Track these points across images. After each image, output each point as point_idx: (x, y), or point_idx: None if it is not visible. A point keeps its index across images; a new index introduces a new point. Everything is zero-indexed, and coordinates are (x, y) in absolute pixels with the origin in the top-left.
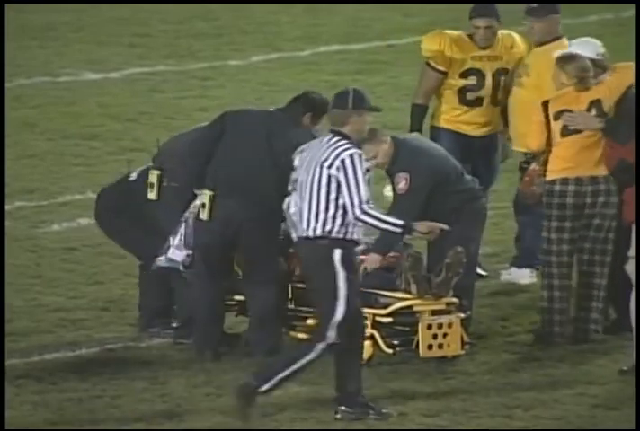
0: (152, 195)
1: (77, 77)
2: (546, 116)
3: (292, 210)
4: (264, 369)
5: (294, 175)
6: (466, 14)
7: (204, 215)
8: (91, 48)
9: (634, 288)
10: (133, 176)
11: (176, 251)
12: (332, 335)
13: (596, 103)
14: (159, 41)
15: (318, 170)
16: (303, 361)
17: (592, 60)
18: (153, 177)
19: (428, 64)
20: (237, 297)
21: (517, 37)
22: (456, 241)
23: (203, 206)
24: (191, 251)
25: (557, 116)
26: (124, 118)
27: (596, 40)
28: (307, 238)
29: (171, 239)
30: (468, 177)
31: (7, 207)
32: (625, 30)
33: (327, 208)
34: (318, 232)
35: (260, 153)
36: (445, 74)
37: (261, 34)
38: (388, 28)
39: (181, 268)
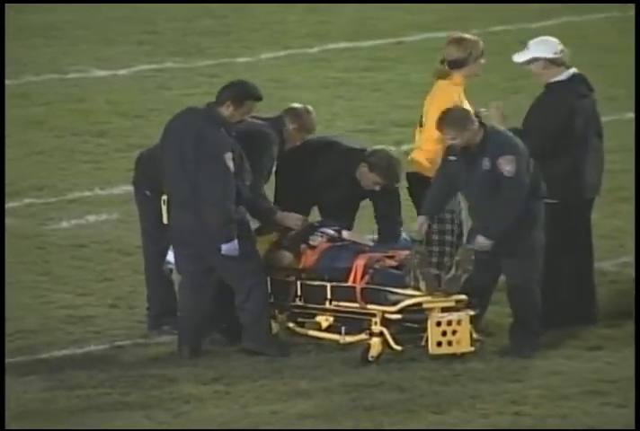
0: None
1: (86, 74)
2: None
3: None
4: None
5: None
6: (473, 13)
7: (165, 219)
8: (99, 46)
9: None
10: None
11: (170, 254)
12: None
13: None
14: (167, 38)
15: None
16: None
17: (549, 59)
18: None
19: None
20: None
21: None
22: (532, 244)
23: (164, 211)
24: None
25: None
26: (132, 114)
27: (553, 39)
28: None
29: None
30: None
31: (16, 205)
32: (631, 27)
33: None
34: None
35: (173, 159)
36: None
37: (269, 31)
38: (397, 25)
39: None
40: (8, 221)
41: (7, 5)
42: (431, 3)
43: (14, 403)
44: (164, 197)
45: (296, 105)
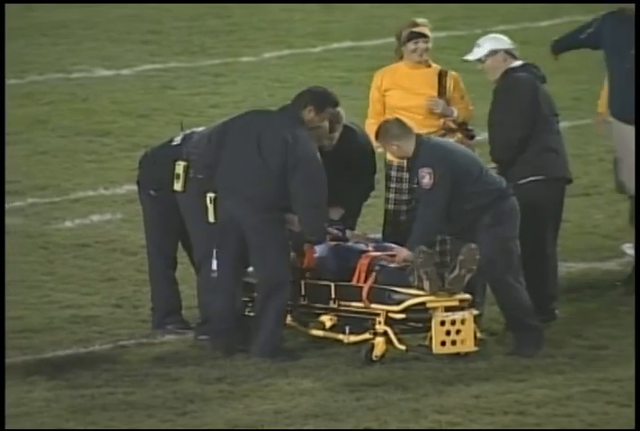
0: (178, 186)
1: (90, 74)
2: None
3: None
4: None
5: None
6: (478, 12)
7: (210, 218)
8: (103, 45)
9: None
10: (177, 140)
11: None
12: None
13: None
14: (172, 38)
15: None
16: None
17: (508, 51)
18: (179, 168)
19: None
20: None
21: None
22: (496, 243)
23: (208, 208)
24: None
25: None
26: (136, 114)
27: (502, 36)
28: None
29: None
30: (495, 176)
31: (20, 204)
32: None
33: None
34: None
35: (252, 153)
36: None
37: (273, 31)
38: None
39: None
40: (12, 220)
41: (14, 4)
42: (438, 3)
43: (18, 402)
44: (211, 195)
45: None
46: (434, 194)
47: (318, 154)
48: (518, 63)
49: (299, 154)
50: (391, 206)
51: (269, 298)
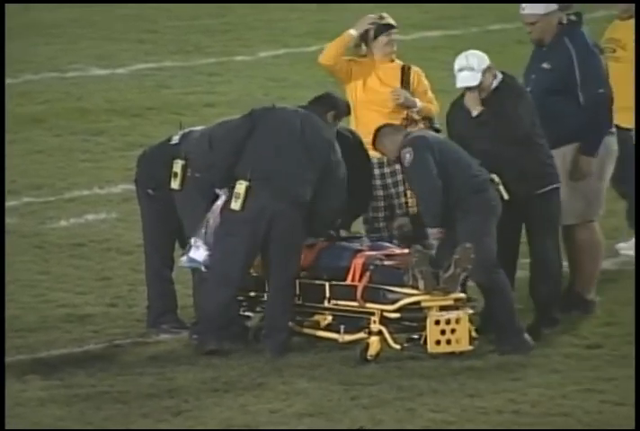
0: (175, 184)
1: (85, 73)
2: None
3: None
4: None
5: None
6: (474, 11)
7: (237, 206)
8: (98, 44)
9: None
10: (175, 139)
11: (198, 251)
12: None
13: None
14: (167, 37)
15: None
16: None
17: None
18: (177, 166)
19: None
20: (249, 294)
21: None
22: (467, 237)
23: (237, 196)
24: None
25: None
26: (131, 113)
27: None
28: None
29: (192, 239)
30: (477, 167)
31: (15, 203)
32: None
33: None
34: None
35: (295, 148)
36: None
37: (268, 30)
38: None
39: (202, 268)
40: (7, 220)
41: (10, 4)
42: (431, 3)
43: (13, 402)
44: (247, 184)
45: None
46: (418, 167)
47: None
48: (499, 74)
49: (337, 158)
50: (373, 203)
51: (288, 297)
